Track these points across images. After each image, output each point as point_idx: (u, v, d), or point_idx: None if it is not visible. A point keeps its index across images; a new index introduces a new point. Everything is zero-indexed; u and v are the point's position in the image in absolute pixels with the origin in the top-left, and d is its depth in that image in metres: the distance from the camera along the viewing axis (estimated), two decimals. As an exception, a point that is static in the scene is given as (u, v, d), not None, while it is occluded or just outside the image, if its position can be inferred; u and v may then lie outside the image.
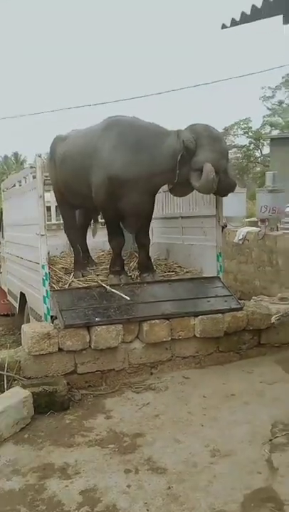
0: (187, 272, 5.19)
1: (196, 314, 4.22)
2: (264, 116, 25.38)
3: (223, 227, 5.15)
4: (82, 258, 5.38)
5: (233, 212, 8.77)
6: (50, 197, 5.78)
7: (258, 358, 4.38)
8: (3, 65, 51.94)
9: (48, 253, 4.33)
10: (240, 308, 4.37)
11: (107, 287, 4.37)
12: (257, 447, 2.88)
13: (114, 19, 56.62)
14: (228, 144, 11.72)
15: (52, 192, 5.61)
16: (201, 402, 3.54)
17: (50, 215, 6.64)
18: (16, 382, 3.63)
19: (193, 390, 3.76)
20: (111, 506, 2.40)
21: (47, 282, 4.12)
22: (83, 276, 4.98)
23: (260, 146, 25.49)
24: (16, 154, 34.22)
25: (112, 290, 4.32)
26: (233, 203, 8.36)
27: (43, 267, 4.11)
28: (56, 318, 4.01)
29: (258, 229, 7.78)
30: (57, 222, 6.48)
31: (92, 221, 5.91)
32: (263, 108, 25.85)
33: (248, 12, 4.06)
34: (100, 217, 6.04)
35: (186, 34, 52.71)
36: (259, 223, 7.90)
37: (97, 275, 5.03)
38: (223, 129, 23.35)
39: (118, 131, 4.51)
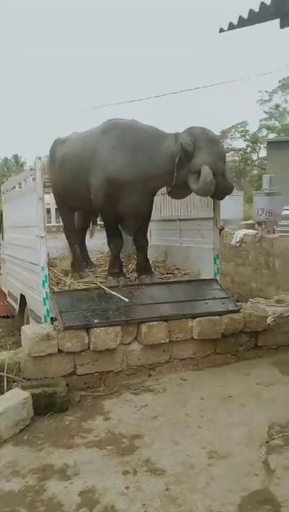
0: (185, 274, 5.23)
1: (193, 316, 4.25)
2: (261, 120, 25.48)
3: (220, 230, 5.20)
4: (81, 260, 5.41)
5: (230, 214, 8.82)
6: (50, 199, 5.81)
7: (255, 360, 4.41)
8: (2, 66, 51.87)
9: (48, 255, 4.34)
10: (238, 311, 4.40)
11: (106, 289, 4.40)
12: (254, 449, 2.91)
13: (114, 22, 56.75)
14: (225, 147, 11.78)
15: (52, 194, 5.64)
16: (199, 403, 3.56)
17: (50, 217, 6.66)
18: (15, 383, 3.64)
19: (191, 391, 3.79)
20: (109, 507, 2.42)
21: (47, 284, 4.14)
22: (81, 278, 5.01)
23: (257, 150, 25.57)
24: (16, 156, 34.20)
25: (111, 292, 4.35)
26: (231, 206, 8.40)
27: (42, 268, 4.14)
28: (56, 319, 4.03)
29: (255, 231, 7.82)
30: (57, 225, 6.51)
31: (91, 223, 5.96)
32: (260, 111, 25.96)
33: (246, 16, 4.11)
34: (98, 219, 6.08)
35: (184, 37, 52.90)
36: (256, 226, 7.95)
37: (96, 277, 5.06)
38: (220, 132, 23.41)
39: (116, 133, 4.54)
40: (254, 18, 4.11)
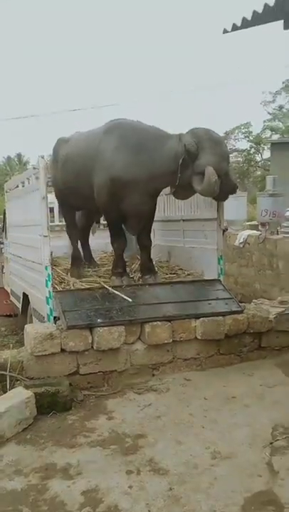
0: (188, 275, 5.22)
1: (197, 316, 4.24)
2: (264, 121, 25.49)
3: (224, 231, 5.18)
4: (80, 257, 5.41)
5: (233, 215, 8.81)
6: (53, 198, 5.82)
7: (259, 361, 4.40)
8: (4, 66, 52.05)
9: (51, 254, 4.34)
10: (241, 311, 4.39)
11: (110, 289, 4.39)
12: (257, 450, 2.90)
13: (116, 23, 56.92)
14: (228, 148, 11.77)
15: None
16: (202, 404, 3.55)
17: (53, 217, 6.68)
18: (18, 382, 3.64)
19: (195, 391, 3.78)
20: (113, 507, 2.42)
21: (50, 283, 4.14)
22: (79, 275, 5.03)
23: (261, 151, 25.57)
24: (19, 155, 34.30)
25: (114, 292, 4.34)
26: (234, 207, 8.41)
27: (46, 268, 4.14)
28: (59, 319, 4.03)
29: (259, 232, 7.82)
30: (60, 224, 6.52)
31: (94, 223, 5.98)
32: (264, 112, 25.98)
33: (249, 17, 4.10)
34: (102, 219, 6.09)
35: (187, 38, 53.00)
36: (259, 227, 7.94)
37: (100, 277, 5.06)
38: (224, 133, 23.41)
39: (120, 133, 4.55)
40: (257, 19, 4.11)
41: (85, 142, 4.92)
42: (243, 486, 2.54)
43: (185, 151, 4.19)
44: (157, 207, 5.17)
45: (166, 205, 6.02)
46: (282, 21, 4.19)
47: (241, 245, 8.09)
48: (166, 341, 4.10)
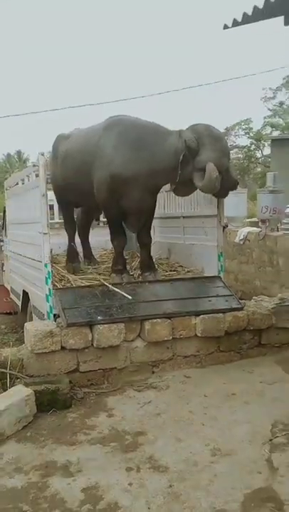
0: (188, 272, 5.21)
1: (197, 314, 4.24)
2: (265, 117, 25.39)
3: (224, 227, 5.18)
4: (75, 252, 5.42)
5: (234, 212, 8.80)
6: (53, 195, 5.81)
7: (259, 358, 4.40)
8: (4, 64, 51.88)
9: (51, 251, 4.34)
10: (241, 308, 4.38)
11: (110, 286, 4.39)
12: (257, 447, 2.90)
13: (115, 19, 56.63)
14: (229, 144, 11.75)
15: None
16: (202, 401, 3.55)
17: (53, 214, 6.67)
18: (18, 380, 3.64)
19: (194, 389, 3.78)
20: (113, 504, 2.42)
21: (50, 281, 4.14)
22: (74, 270, 5.06)
23: (261, 147, 25.48)
24: (19, 152, 34.26)
25: (114, 289, 4.34)
26: (234, 204, 8.40)
27: (45, 265, 4.13)
28: (59, 316, 4.03)
29: (259, 229, 7.80)
30: (60, 221, 6.51)
31: (94, 220, 5.97)
32: (264, 109, 25.87)
33: (250, 13, 4.08)
34: (101, 216, 6.09)
35: (187, 34, 52.75)
36: (260, 224, 7.93)
37: (99, 274, 5.06)
38: (224, 130, 23.33)
39: (120, 129, 4.54)
40: (258, 14, 4.09)
41: (85, 138, 4.90)
42: (243, 482, 2.55)
43: (185, 147, 4.18)
44: (157, 204, 5.16)
45: (166, 202, 6.01)
46: (283, 17, 4.17)
47: (241, 242, 8.08)
48: (166, 338, 4.10)
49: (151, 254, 5.07)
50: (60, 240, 5.73)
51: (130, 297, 4.23)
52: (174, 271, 5.31)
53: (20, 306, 5.68)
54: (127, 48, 55.55)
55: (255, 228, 8.08)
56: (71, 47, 61.74)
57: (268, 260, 7.45)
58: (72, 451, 2.94)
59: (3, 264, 7.63)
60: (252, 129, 25.21)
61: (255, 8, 4.02)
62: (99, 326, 3.88)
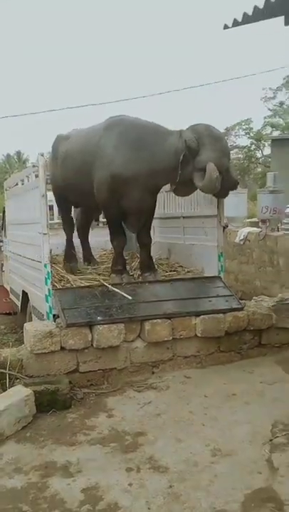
0: (188, 272, 5.21)
1: (197, 314, 4.23)
2: (265, 117, 25.38)
3: (224, 228, 5.17)
4: (73, 251, 5.43)
5: (234, 212, 8.81)
6: (53, 196, 5.81)
7: (259, 358, 4.39)
8: (4, 64, 51.94)
9: (50, 252, 4.34)
10: (241, 309, 4.38)
11: (109, 286, 4.39)
12: (257, 447, 2.90)
13: (115, 19, 56.68)
14: (229, 144, 11.75)
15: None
16: (202, 401, 3.55)
17: (53, 214, 6.67)
18: (18, 380, 3.63)
19: (195, 389, 3.78)
20: (113, 504, 2.41)
21: (49, 281, 4.13)
22: (72, 269, 5.06)
23: (261, 147, 25.47)
24: (18, 153, 34.29)
25: (114, 289, 4.33)
26: (234, 204, 8.41)
27: (45, 265, 4.13)
28: (58, 316, 4.02)
29: (259, 229, 7.80)
30: (59, 221, 6.50)
31: (94, 220, 5.97)
32: (264, 109, 25.85)
33: (250, 13, 4.08)
34: (101, 216, 6.08)
35: (187, 34, 52.78)
36: (260, 224, 7.93)
37: (99, 274, 5.05)
38: (224, 130, 23.32)
39: (120, 129, 4.54)
40: (258, 14, 4.09)
41: (85, 139, 4.90)
42: (243, 483, 2.54)
43: (186, 147, 4.17)
44: (157, 204, 5.16)
45: (166, 202, 6.01)
46: (283, 17, 4.17)
47: (242, 242, 8.08)
48: (166, 339, 4.09)
49: (151, 254, 5.07)
50: (59, 241, 5.73)
51: (130, 297, 4.23)
52: (174, 271, 5.30)
53: (19, 306, 5.68)
54: (128, 47, 55.64)
55: (255, 228, 8.08)
56: (71, 47, 61.85)
57: (268, 260, 7.44)
58: (72, 452, 2.93)
59: (2, 265, 7.62)
60: (252, 129, 25.20)
61: (256, 8, 4.02)
62: (99, 326, 3.88)
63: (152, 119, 4.63)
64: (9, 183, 6.66)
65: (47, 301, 4.11)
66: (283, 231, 7.37)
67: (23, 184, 5.45)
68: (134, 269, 5.19)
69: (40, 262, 4.21)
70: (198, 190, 4.47)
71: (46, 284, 4.12)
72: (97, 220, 6.27)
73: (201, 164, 4.14)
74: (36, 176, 4.36)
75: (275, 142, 15.84)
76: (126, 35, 55.73)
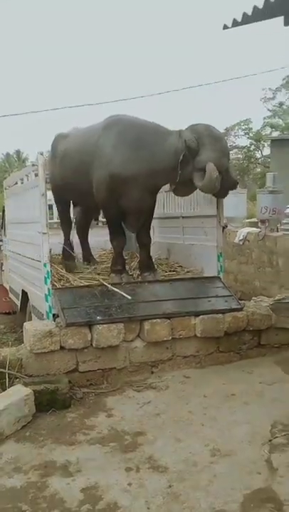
0: (188, 272, 5.21)
1: (196, 314, 4.23)
2: (264, 118, 25.39)
3: (223, 228, 5.17)
4: (70, 249, 5.43)
5: (233, 212, 8.81)
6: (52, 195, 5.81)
7: (258, 358, 4.40)
8: (4, 64, 51.89)
9: (50, 251, 4.33)
10: (241, 309, 4.38)
11: (109, 286, 4.38)
12: (256, 447, 2.90)
13: (115, 19, 56.63)
14: (228, 144, 11.75)
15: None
16: (202, 401, 3.55)
17: (52, 214, 6.66)
18: (17, 380, 3.63)
19: (194, 389, 3.78)
20: (112, 504, 2.42)
21: (49, 280, 4.13)
22: (69, 268, 5.08)
23: (261, 147, 25.48)
24: (18, 152, 34.25)
25: (114, 289, 4.33)
26: (234, 204, 8.41)
27: (45, 265, 4.12)
28: (58, 316, 4.02)
29: (259, 230, 7.80)
30: (59, 221, 6.50)
31: (93, 220, 5.97)
32: (264, 109, 25.87)
33: (250, 13, 4.08)
34: (100, 216, 6.08)
35: (187, 34, 52.71)
36: (259, 224, 7.93)
37: (99, 274, 5.05)
38: (224, 130, 23.32)
39: (119, 129, 4.53)
40: (258, 15, 4.08)
41: (84, 138, 4.90)
42: (243, 483, 2.54)
43: (185, 147, 4.17)
44: (157, 204, 5.16)
45: (166, 202, 6.01)
46: (283, 17, 4.17)
47: (241, 242, 8.08)
48: (165, 339, 4.10)
49: (151, 254, 5.07)
50: (58, 240, 5.73)
51: (129, 297, 4.23)
52: (173, 271, 5.31)
53: (19, 305, 5.67)
54: (127, 47, 55.55)
55: (254, 229, 8.07)
56: (71, 47, 61.72)
57: (267, 261, 7.45)
58: (71, 451, 2.93)
59: (2, 264, 7.61)
60: (252, 129, 25.21)
61: (255, 8, 4.02)
62: (98, 326, 3.88)
63: (152, 119, 4.64)
64: (9, 182, 6.65)
65: (46, 300, 4.11)
66: (283, 231, 7.37)
67: (22, 183, 5.44)
68: (134, 269, 5.19)
69: (40, 262, 4.20)
70: (197, 190, 4.47)
71: (46, 283, 4.12)
72: (97, 219, 6.27)
73: (201, 164, 4.15)
74: (36, 175, 4.36)
75: (275, 143, 15.85)
76: (125, 34, 55.69)
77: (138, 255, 5.24)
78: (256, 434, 3.04)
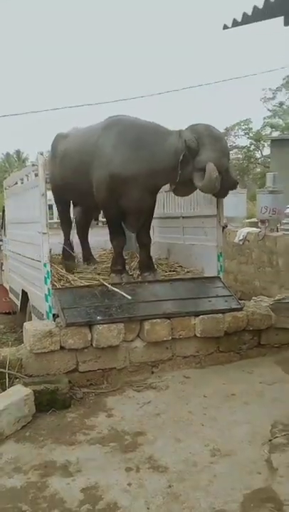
0: (188, 272, 5.21)
1: (196, 314, 4.23)
2: (264, 118, 25.39)
3: (223, 228, 5.17)
4: (69, 249, 5.43)
5: (233, 212, 8.81)
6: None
7: (258, 358, 4.40)
8: (4, 64, 51.89)
9: (50, 251, 4.33)
10: (241, 309, 4.38)
11: (109, 286, 4.38)
12: (257, 447, 2.90)
13: (115, 19, 56.64)
14: (228, 144, 11.75)
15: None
16: (202, 401, 3.55)
17: (52, 214, 6.66)
18: (17, 380, 3.63)
19: (194, 389, 3.78)
20: (112, 504, 2.42)
21: (49, 280, 4.13)
22: (68, 268, 5.08)
23: (261, 147, 25.48)
24: (18, 152, 34.25)
25: (114, 289, 4.33)
26: (234, 204, 8.41)
27: (45, 265, 4.12)
28: (58, 316, 4.02)
29: (258, 230, 7.80)
30: (59, 221, 6.50)
31: (93, 220, 5.97)
32: (264, 109, 25.87)
33: (250, 13, 4.08)
34: (100, 216, 6.08)
35: (187, 34, 52.74)
36: (259, 224, 7.93)
37: (99, 274, 5.05)
38: (224, 130, 23.32)
39: (119, 129, 4.54)
40: (258, 15, 4.09)
41: (84, 138, 4.90)
42: (243, 483, 2.54)
43: (185, 147, 4.17)
44: (157, 204, 5.16)
45: (166, 202, 6.01)
46: (283, 17, 4.17)
47: (241, 242, 8.08)
48: (165, 339, 4.10)
49: (151, 254, 5.06)
50: (59, 240, 5.73)
51: (130, 297, 4.23)
52: (173, 271, 5.30)
53: (19, 305, 5.67)
54: (127, 47, 55.58)
55: (254, 228, 8.08)
56: (71, 47, 61.76)
57: (267, 261, 7.44)
58: (71, 451, 2.93)
59: (2, 264, 7.61)
60: (252, 129, 25.21)
61: (255, 8, 4.02)
62: (98, 326, 3.88)
63: (152, 119, 4.64)
64: (9, 182, 6.65)
65: (46, 300, 4.11)
66: (282, 231, 7.37)
67: (22, 183, 5.44)
68: (134, 269, 5.19)
69: (40, 262, 4.20)
70: (197, 190, 4.47)
71: (46, 283, 4.12)
72: (97, 219, 6.27)
73: (201, 164, 4.14)
74: (36, 175, 4.35)
75: (275, 142, 15.85)
76: (125, 34, 55.73)
77: (138, 255, 5.23)
78: (256, 434, 3.04)
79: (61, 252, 5.52)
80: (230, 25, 4.30)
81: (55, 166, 5.23)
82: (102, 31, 59.48)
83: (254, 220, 9.07)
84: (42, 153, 4.26)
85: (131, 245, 5.52)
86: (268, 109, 25.51)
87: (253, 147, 25.68)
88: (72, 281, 4.67)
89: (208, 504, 2.38)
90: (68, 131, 5.40)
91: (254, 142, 25.28)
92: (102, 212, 5.58)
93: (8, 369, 3.66)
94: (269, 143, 18.57)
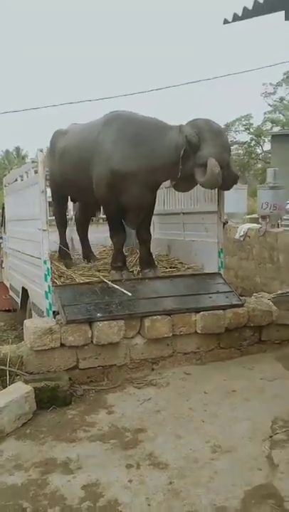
0: (188, 268, 5.20)
1: (197, 310, 4.22)
2: (265, 113, 25.33)
3: (224, 224, 5.15)
4: (67, 247, 5.42)
5: (234, 208, 8.77)
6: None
7: (259, 354, 4.39)
8: (5, 61, 51.71)
9: (50, 248, 4.31)
10: (241, 305, 4.37)
11: (109, 283, 4.37)
12: (257, 444, 2.90)
13: (115, 14, 56.34)
14: (229, 140, 11.73)
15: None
16: (202, 398, 3.55)
17: (52, 210, 6.64)
18: (18, 377, 3.63)
19: (195, 386, 3.78)
20: (113, 501, 2.42)
21: (49, 277, 4.12)
22: (66, 266, 5.05)
23: (262, 143, 25.44)
24: (17, 149, 34.21)
25: (114, 286, 4.32)
26: (234, 200, 8.37)
27: (45, 262, 4.11)
28: (58, 313, 4.01)
29: (259, 226, 7.79)
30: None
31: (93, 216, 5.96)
32: (264, 104, 25.81)
33: (250, 7, 4.05)
34: (100, 213, 6.06)
35: (186, 30, 52.53)
36: (260, 220, 7.91)
37: (99, 271, 5.04)
38: (224, 125, 23.27)
39: (119, 125, 4.51)
40: (259, 9, 4.06)
41: (84, 134, 4.87)
42: (243, 479, 2.54)
43: (186, 142, 4.14)
44: (157, 200, 5.14)
45: (166, 198, 5.98)
46: (283, 12, 4.14)
47: (242, 238, 8.07)
48: (165, 335, 4.09)
49: (151, 250, 5.05)
50: (54, 238, 5.72)
51: (130, 294, 4.22)
52: (173, 267, 5.29)
53: (19, 303, 5.66)
54: (127, 43, 55.41)
55: (255, 224, 8.06)
56: (70, 43, 61.54)
57: (268, 257, 7.43)
58: (72, 448, 2.93)
59: (2, 261, 7.60)
60: (252, 124, 25.18)
61: (256, 2, 3.99)
62: (98, 322, 3.87)
63: (152, 115, 4.61)
64: (8, 179, 6.63)
65: (47, 297, 4.10)
66: (283, 227, 7.36)
67: (22, 180, 5.42)
68: (134, 266, 5.18)
69: (40, 259, 4.19)
70: (198, 185, 4.44)
71: (46, 280, 4.11)
72: (95, 215, 6.25)
73: (202, 159, 4.12)
74: (35, 172, 4.33)
75: (275, 138, 15.83)
76: (125, 31, 55.53)
77: (138, 251, 5.22)
78: (257, 431, 3.04)
79: (58, 251, 5.49)
80: (230, 19, 4.27)
81: (54, 163, 5.20)
82: (102, 27, 59.30)
83: (255, 216, 9.06)
84: (41, 150, 4.23)
85: (131, 241, 5.50)
86: (269, 104, 25.48)
87: (253, 143, 25.65)
88: (74, 278, 4.65)
89: (209, 500, 2.38)
90: (67, 127, 5.38)
91: (255, 138, 25.24)
92: (101, 209, 5.56)
93: (9, 366, 3.66)
94: (270, 138, 18.53)
